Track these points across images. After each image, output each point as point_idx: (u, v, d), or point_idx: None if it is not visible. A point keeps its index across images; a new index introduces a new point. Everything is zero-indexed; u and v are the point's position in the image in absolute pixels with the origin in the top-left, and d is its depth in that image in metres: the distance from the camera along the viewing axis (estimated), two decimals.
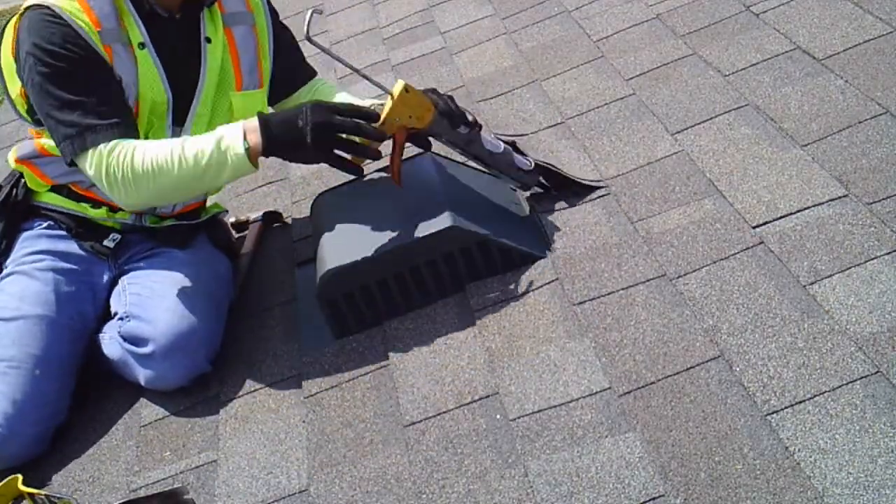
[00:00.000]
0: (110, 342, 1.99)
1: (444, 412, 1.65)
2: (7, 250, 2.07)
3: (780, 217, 1.77)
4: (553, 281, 1.83)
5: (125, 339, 1.94)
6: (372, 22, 3.35)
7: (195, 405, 1.92)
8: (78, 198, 2.05)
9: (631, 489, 1.39)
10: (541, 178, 2.04)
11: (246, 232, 2.39)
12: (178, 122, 1.96)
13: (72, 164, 1.85)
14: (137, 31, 1.87)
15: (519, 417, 1.58)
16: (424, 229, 1.84)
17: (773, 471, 1.34)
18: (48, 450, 1.92)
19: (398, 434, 1.65)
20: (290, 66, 2.18)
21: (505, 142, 2.00)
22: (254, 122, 1.77)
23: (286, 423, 1.79)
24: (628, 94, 2.33)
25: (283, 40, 2.16)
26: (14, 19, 1.85)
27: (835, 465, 1.31)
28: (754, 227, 1.77)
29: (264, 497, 1.65)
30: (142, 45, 1.87)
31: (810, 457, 1.33)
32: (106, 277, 2.08)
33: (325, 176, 2.53)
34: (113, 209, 2.06)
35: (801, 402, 1.41)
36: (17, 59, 1.84)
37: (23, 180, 2.07)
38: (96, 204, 2.05)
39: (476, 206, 1.97)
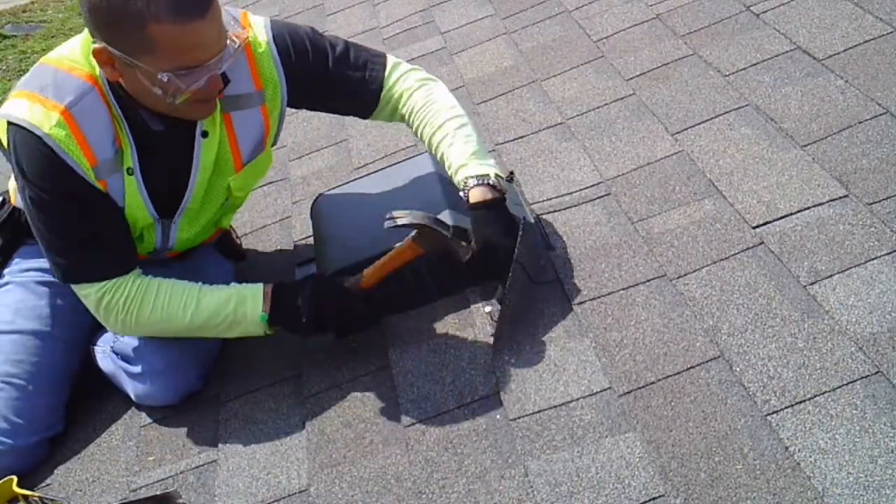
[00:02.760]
0: (103, 356, 1.99)
1: (444, 412, 1.65)
2: (5, 263, 2.05)
3: (780, 217, 1.76)
4: (553, 281, 1.83)
5: (117, 355, 1.94)
6: (372, 22, 3.35)
7: (195, 405, 1.92)
8: None
9: (631, 489, 1.39)
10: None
11: None
12: (167, 216, 1.87)
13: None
14: (129, 156, 1.73)
15: (519, 417, 1.58)
16: None
17: (773, 471, 1.34)
18: (47, 457, 1.93)
19: (398, 434, 1.65)
20: (347, 100, 1.93)
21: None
22: (269, 290, 1.77)
23: (286, 423, 1.79)
24: (628, 94, 2.33)
25: (323, 82, 1.87)
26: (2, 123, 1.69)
27: (835, 465, 1.31)
28: (754, 228, 1.77)
29: (264, 497, 1.65)
30: (130, 171, 1.74)
31: (810, 457, 1.33)
32: None
33: (325, 176, 2.53)
34: None
35: (801, 402, 1.41)
36: (7, 158, 1.73)
37: None
38: None
39: None
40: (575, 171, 2.12)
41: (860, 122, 1.92)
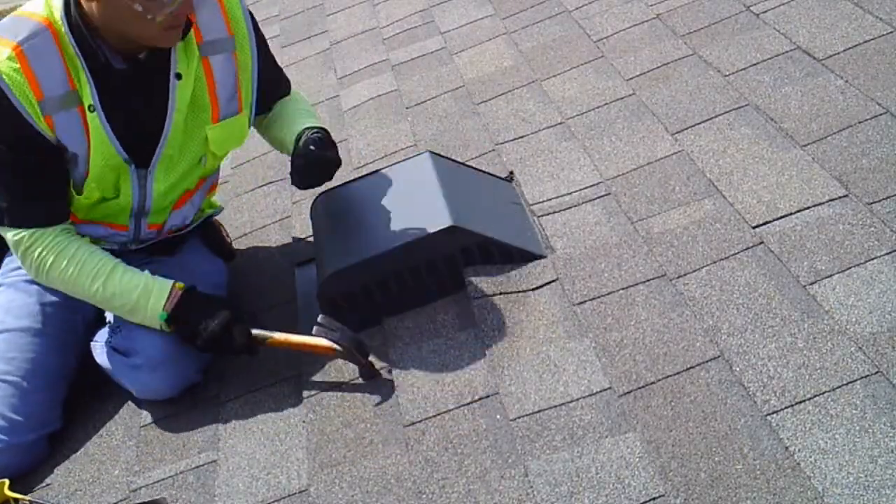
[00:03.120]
0: (102, 351, 1.98)
1: (444, 412, 1.65)
2: None
3: (780, 217, 1.76)
4: (553, 281, 1.83)
5: (115, 350, 1.94)
6: (372, 22, 3.35)
7: (195, 405, 1.92)
8: None
9: (631, 489, 1.39)
10: None
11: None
12: (143, 164, 1.88)
13: None
14: (89, 93, 1.76)
15: (519, 417, 1.58)
16: (424, 229, 1.83)
17: (773, 471, 1.34)
18: (47, 456, 1.93)
19: (398, 434, 1.65)
20: (268, 86, 2.05)
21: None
22: (177, 293, 1.83)
23: (286, 423, 1.79)
24: (628, 94, 2.33)
25: (262, 58, 2.01)
26: None
27: (835, 465, 1.31)
28: (754, 227, 1.77)
29: (264, 497, 1.65)
30: (91, 108, 1.77)
31: (810, 457, 1.33)
32: None
33: None
34: (95, 239, 2.00)
35: (801, 402, 1.41)
36: None
37: None
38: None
39: (476, 206, 1.96)
40: (575, 171, 2.12)
41: (860, 122, 1.92)
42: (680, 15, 2.58)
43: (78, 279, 1.84)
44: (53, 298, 1.99)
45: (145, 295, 1.83)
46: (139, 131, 1.85)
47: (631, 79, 2.39)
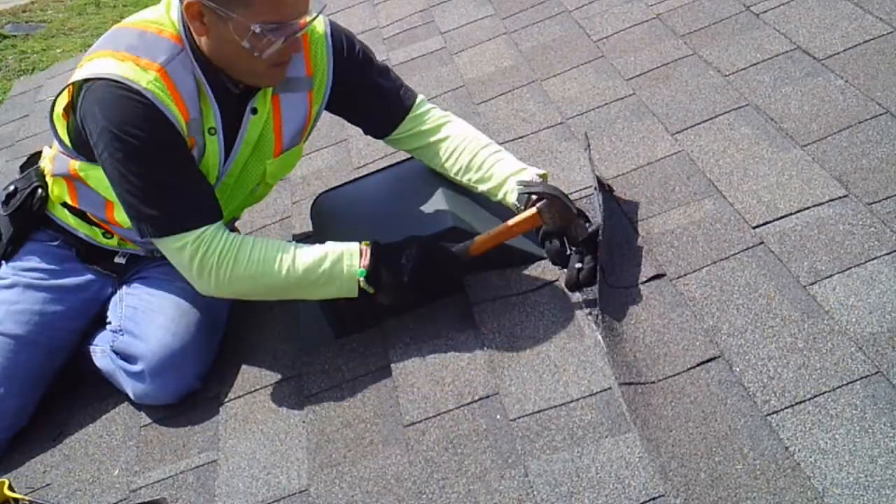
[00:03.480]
0: (102, 355, 1.99)
1: (444, 412, 1.65)
2: (12, 254, 2.04)
3: (780, 217, 1.76)
4: (553, 281, 1.83)
5: (117, 354, 1.94)
6: (372, 22, 3.35)
7: (195, 405, 1.92)
8: (90, 222, 1.98)
9: (631, 489, 1.39)
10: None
11: None
12: None
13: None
14: (212, 116, 1.76)
15: (519, 417, 1.58)
16: (425, 230, 1.83)
17: (773, 471, 1.34)
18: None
19: (398, 434, 1.65)
20: (378, 109, 1.98)
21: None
22: (366, 248, 1.73)
23: (286, 423, 1.79)
24: (628, 94, 2.33)
25: (362, 87, 1.95)
26: (77, 82, 1.72)
27: (835, 465, 1.31)
28: (754, 228, 1.77)
29: (264, 497, 1.65)
30: (212, 131, 1.77)
31: (810, 457, 1.33)
32: (109, 291, 2.06)
33: (325, 176, 2.53)
34: (123, 241, 2.00)
35: (801, 403, 1.41)
36: (77, 118, 1.73)
37: (39, 191, 2.00)
38: (108, 234, 2.00)
39: (476, 207, 1.96)
40: (575, 171, 2.12)
41: (860, 122, 1.92)
42: (680, 15, 2.58)
43: (264, 272, 1.72)
44: (58, 308, 1.99)
45: (337, 261, 1.72)
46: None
47: (631, 79, 2.39)
